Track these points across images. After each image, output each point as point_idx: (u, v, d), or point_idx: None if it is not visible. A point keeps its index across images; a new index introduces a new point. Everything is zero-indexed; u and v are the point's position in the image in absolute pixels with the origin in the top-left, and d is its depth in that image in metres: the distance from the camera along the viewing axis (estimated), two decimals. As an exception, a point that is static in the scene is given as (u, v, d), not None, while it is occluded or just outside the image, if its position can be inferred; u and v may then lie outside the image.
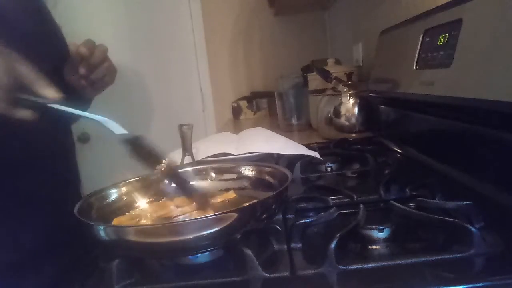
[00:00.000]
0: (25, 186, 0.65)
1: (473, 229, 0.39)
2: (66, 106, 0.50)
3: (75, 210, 0.46)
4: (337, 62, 1.38)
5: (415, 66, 0.71)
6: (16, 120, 0.54)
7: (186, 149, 0.71)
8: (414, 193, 0.54)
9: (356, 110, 1.06)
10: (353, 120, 1.06)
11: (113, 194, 0.55)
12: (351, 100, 1.06)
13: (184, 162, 0.70)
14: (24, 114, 0.49)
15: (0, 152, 0.62)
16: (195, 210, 0.52)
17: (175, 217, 0.53)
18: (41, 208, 0.65)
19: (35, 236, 0.65)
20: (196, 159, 0.72)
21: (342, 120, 1.07)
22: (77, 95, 0.78)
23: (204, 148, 0.79)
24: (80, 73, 0.70)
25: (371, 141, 0.96)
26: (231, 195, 0.57)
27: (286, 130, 1.42)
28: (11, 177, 0.63)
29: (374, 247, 0.43)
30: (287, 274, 0.39)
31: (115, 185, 0.56)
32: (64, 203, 0.53)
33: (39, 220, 0.64)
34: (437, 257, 0.39)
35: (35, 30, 0.67)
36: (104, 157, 1.91)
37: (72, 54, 0.71)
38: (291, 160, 0.78)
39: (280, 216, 0.51)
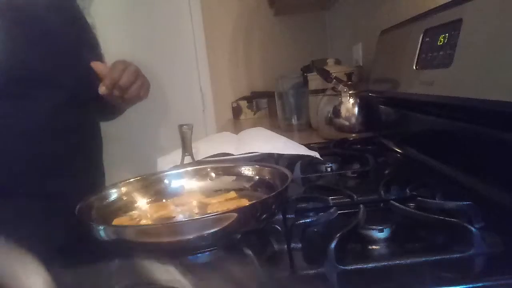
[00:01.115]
0: (56, 186, 0.66)
1: (473, 229, 0.39)
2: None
3: (75, 210, 0.46)
4: (337, 62, 1.38)
5: (415, 66, 0.71)
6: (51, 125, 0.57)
7: (186, 149, 0.71)
8: (414, 193, 0.54)
9: (356, 110, 1.06)
10: (353, 120, 1.06)
11: (113, 194, 0.55)
12: (351, 100, 1.06)
13: (184, 162, 0.70)
14: None
15: (32, 153, 0.63)
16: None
17: (175, 217, 0.53)
18: (68, 207, 0.66)
19: (64, 234, 0.66)
20: (196, 159, 0.72)
21: (342, 120, 1.07)
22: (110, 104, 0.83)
23: (204, 148, 0.79)
24: (114, 94, 0.75)
25: (371, 141, 0.96)
26: (231, 195, 0.57)
27: (286, 130, 1.42)
28: (44, 177, 0.65)
29: (374, 247, 0.43)
30: (287, 274, 0.39)
31: (115, 185, 0.56)
32: None
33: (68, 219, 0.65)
34: (437, 257, 0.39)
35: (65, 28, 0.71)
36: (105, 157, 1.91)
37: (101, 75, 0.75)
38: (291, 160, 0.78)
39: (280, 216, 0.51)
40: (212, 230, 0.39)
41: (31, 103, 0.63)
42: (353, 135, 1.05)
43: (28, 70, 0.62)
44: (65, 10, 0.73)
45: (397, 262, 0.39)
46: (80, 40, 0.75)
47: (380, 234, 0.44)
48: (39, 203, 0.65)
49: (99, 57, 0.79)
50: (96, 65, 0.75)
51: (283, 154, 0.79)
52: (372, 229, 0.44)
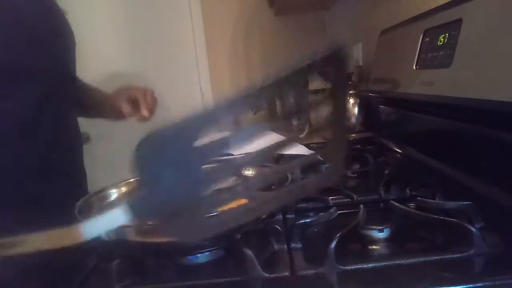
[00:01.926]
0: (42, 190, 0.65)
1: (473, 229, 0.39)
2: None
3: (75, 210, 0.46)
4: (337, 62, 1.38)
5: (415, 66, 0.71)
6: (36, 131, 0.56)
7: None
8: (414, 193, 0.54)
9: (356, 110, 1.06)
10: (353, 120, 1.06)
11: (113, 194, 0.55)
12: (351, 100, 1.06)
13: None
14: None
15: (20, 158, 0.63)
16: None
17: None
18: (54, 210, 0.65)
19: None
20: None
21: (342, 120, 1.07)
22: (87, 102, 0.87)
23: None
24: (143, 115, 0.84)
25: (371, 141, 0.96)
26: None
27: (286, 130, 1.42)
28: (30, 181, 0.64)
29: (374, 247, 0.43)
30: (287, 274, 0.39)
31: (115, 185, 0.56)
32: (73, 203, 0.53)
33: (55, 222, 0.64)
34: (437, 257, 0.39)
35: (43, 19, 0.67)
36: (104, 157, 1.91)
37: (130, 96, 0.86)
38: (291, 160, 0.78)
39: (280, 216, 0.51)
40: (212, 230, 0.39)
41: (11, 99, 0.61)
42: (353, 135, 1.05)
43: (8, 63, 0.60)
44: (50, 8, 0.70)
45: (397, 262, 0.39)
46: (57, 30, 0.72)
47: (380, 234, 0.44)
48: (22, 205, 0.64)
49: (73, 46, 0.77)
50: (124, 107, 0.84)
51: (283, 154, 0.79)
52: (372, 229, 0.44)
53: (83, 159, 0.81)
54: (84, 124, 0.83)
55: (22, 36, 0.62)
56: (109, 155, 1.98)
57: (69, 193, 0.66)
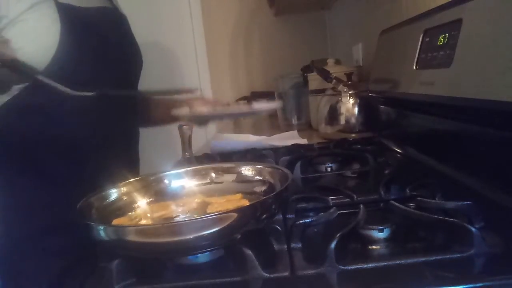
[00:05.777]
0: (89, 171, 0.74)
1: (473, 229, 0.39)
2: None
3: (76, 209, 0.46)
4: (337, 62, 1.38)
5: (415, 66, 0.71)
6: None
7: (186, 149, 0.71)
8: (414, 193, 0.54)
9: (356, 110, 1.06)
10: (353, 120, 1.06)
11: (113, 194, 0.55)
12: (351, 100, 1.06)
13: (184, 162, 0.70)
14: None
15: (72, 137, 0.73)
16: None
17: (175, 217, 0.53)
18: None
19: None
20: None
21: (342, 120, 1.07)
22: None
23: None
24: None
25: (371, 141, 0.96)
26: (237, 196, 0.57)
27: (286, 130, 1.42)
28: (78, 164, 0.75)
29: (374, 247, 0.43)
30: (287, 274, 0.39)
31: (115, 185, 0.56)
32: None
33: None
34: (437, 257, 0.39)
35: (118, 39, 0.86)
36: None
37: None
38: (291, 160, 0.78)
39: (280, 216, 0.51)
40: (212, 230, 0.39)
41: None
42: (353, 135, 1.05)
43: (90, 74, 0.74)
44: (126, 30, 0.92)
45: (397, 262, 0.39)
46: (127, 55, 0.89)
47: (380, 234, 0.44)
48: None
49: (136, 67, 0.96)
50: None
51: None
52: (372, 229, 0.44)
53: (137, 147, 0.95)
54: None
55: (102, 56, 0.77)
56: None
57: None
